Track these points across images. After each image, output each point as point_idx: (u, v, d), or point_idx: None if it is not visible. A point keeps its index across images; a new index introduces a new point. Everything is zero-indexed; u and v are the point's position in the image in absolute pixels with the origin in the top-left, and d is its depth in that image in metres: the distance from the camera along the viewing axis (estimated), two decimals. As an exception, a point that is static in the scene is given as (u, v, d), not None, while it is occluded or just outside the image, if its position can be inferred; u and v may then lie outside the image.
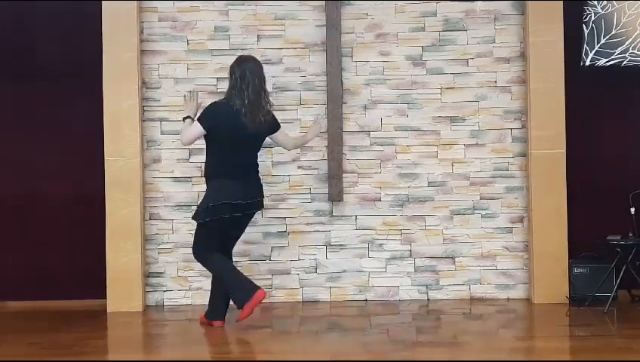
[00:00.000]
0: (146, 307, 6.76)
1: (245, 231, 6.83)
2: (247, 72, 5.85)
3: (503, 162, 6.87)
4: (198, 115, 5.98)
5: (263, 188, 6.11)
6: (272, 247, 6.83)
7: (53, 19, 6.90)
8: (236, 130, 5.82)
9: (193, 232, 6.84)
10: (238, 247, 6.83)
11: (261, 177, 6.11)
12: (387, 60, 6.88)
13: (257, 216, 6.84)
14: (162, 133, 6.85)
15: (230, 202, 5.82)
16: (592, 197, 6.84)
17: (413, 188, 6.87)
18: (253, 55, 6.22)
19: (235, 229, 6.06)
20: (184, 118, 6.06)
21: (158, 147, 6.85)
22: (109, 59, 6.64)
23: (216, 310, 5.99)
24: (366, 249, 6.86)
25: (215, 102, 6.05)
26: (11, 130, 6.91)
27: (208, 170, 5.97)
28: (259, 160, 6.09)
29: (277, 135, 6.12)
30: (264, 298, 5.80)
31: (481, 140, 6.87)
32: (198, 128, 5.89)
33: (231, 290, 5.83)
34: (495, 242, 6.86)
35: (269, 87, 6.86)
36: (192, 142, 6.06)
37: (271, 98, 6.09)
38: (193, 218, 6.05)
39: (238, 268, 6.11)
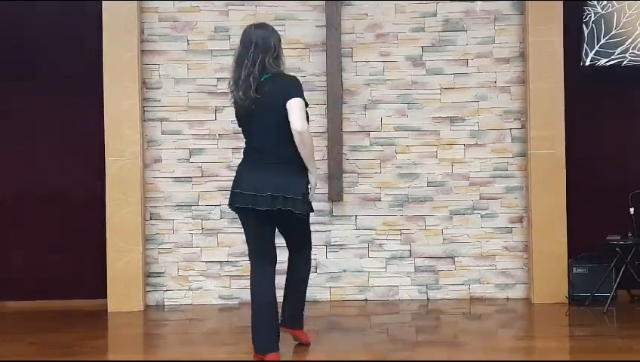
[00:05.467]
0: (146, 307, 6.77)
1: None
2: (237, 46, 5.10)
3: (503, 162, 6.87)
4: None
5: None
6: (272, 247, 6.82)
7: (53, 19, 6.90)
8: (238, 113, 5.09)
9: (192, 233, 6.90)
10: (238, 247, 6.86)
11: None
12: (387, 60, 6.89)
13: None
14: (162, 133, 6.86)
15: (238, 191, 5.02)
16: (592, 197, 6.84)
17: (413, 188, 6.87)
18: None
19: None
20: None
21: (158, 147, 6.86)
22: (109, 59, 6.64)
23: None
24: (366, 249, 6.87)
25: None
26: (11, 129, 6.91)
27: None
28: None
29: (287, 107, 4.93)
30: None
31: (480, 140, 6.87)
32: None
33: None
34: (495, 242, 6.86)
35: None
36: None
37: (279, 63, 5.06)
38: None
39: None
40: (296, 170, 5.01)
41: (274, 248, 5.10)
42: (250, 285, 5.07)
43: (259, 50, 4.96)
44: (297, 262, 5.33)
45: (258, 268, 5.05)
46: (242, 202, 4.97)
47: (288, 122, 4.93)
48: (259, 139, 5.01)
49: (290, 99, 4.92)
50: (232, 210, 5.16)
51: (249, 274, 6.61)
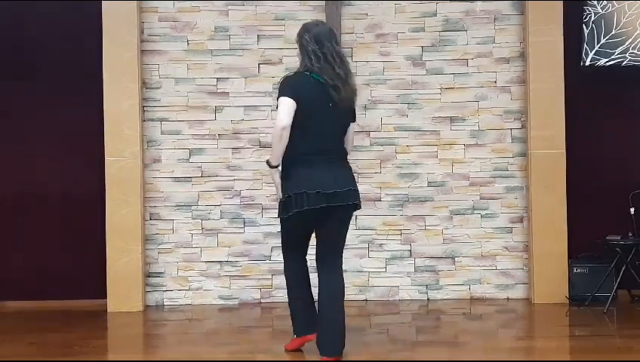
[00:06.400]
0: (146, 307, 6.77)
1: (245, 231, 6.87)
2: (317, 38, 4.93)
3: (503, 162, 6.87)
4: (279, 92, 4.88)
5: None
6: (272, 247, 6.82)
7: (53, 19, 6.90)
8: (321, 106, 4.87)
9: (192, 233, 6.89)
10: (238, 247, 6.86)
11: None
12: (387, 60, 6.89)
13: (257, 215, 6.88)
14: (162, 133, 6.86)
15: (319, 192, 4.84)
16: (592, 197, 6.84)
17: (413, 188, 6.87)
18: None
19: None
20: (268, 162, 5.00)
21: (158, 147, 6.86)
22: (109, 59, 6.64)
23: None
24: (366, 249, 6.87)
25: (288, 75, 5.03)
26: (11, 129, 6.91)
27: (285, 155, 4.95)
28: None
29: (350, 127, 5.08)
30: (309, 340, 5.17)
31: (481, 140, 6.87)
32: (285, 102, 4.81)
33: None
34: (495, 242, 6.86)
35: (269, 87, 6.93)
36: (289, 124, 4.77)
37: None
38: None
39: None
40: (350, 167, 5.10)
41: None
42: (290, 275, 5.15)
43: (335, 50, 4.93)
44: (331, 274, 4.97)
45: (296, 260, 5.13)
46: (328, 202, 4.83)
47: (347, 126, 5.05)
48: (328, 138, 4.91)
49: (355, 118, 5.12)
50: (291, 215, 4.88)
51: (245, 275, 6.61)
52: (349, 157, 5.11)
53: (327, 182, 4.85)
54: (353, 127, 5.11)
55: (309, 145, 4.88)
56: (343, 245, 5.07)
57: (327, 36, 4.94)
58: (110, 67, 6.65)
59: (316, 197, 4.83)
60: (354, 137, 5.18)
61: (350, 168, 5.07)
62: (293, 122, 4.82)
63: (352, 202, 4.93)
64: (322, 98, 4.86)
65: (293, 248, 5.14)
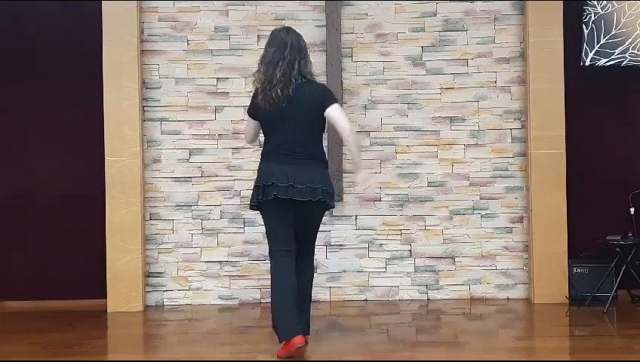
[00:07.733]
0: (146, 307, 6.77)
1: (245, 231, 6.87)
2: (265, 49, 5.21)
3: (503, 162, 6.87)
4: None
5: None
6: (272, 247, 6.82)
7: (53, 19, 6.90)
8: (268, 110, 5.13)
9: (192, 233, 6.89)
10: (238, 247, 6.86)
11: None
12: (387, 60, 6.89)
13: (257, 215, 6.86)
14: (162, 133, 6.86)
15: (273, 183, 5.08)
16: (592, 197, 6.84)
17: (413, 188, 6.87)
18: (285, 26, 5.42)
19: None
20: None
21: (158, 147, 6.86)
22: (109, 59, 6.64)
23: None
24: (366, 249, 6.87)
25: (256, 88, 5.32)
26: (11, 129, 6.91)
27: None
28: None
29: (327, 114, 5.15)
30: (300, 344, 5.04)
31: (481, 140, 6.87)
32: (248, 122, 5.38)
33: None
34: (495, 242, 6.86)
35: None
36: (253, 136, 5.42)
37: (309, 67, 5.20)
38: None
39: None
40: (325, 166, 5.26)
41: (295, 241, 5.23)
42: (276, 276, 5.13)
43: (295, 52, 5.13)
44: (303, 263, 5.28)
45: (284, 260, 5.15)
46: (280, 193, 5.04)
47: (319, 126, 5.21)
48: (289, 138, 5.13)
49: (329, 105, 5.14)
50: (253, 205, 5.22)
51: (245, 275, 6.59)
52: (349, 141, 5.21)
53: (284, 176, 5.06)
54: (333, 110, 5.13)
55: (273, 144, 5.18)
56: (313, 240, 5.32)
57: (276, 44, 5.14)
58: (110, 67, 6.65)
59: (270, 189, 5.08)
60: (345, 119, 5.16)
61: (320, 167, 5.19)
62: (261, 126, 5.26)
63: (308, 198, 5.05)
64: (276, 105, 5.09)
65: (277, 244, 5.17)
